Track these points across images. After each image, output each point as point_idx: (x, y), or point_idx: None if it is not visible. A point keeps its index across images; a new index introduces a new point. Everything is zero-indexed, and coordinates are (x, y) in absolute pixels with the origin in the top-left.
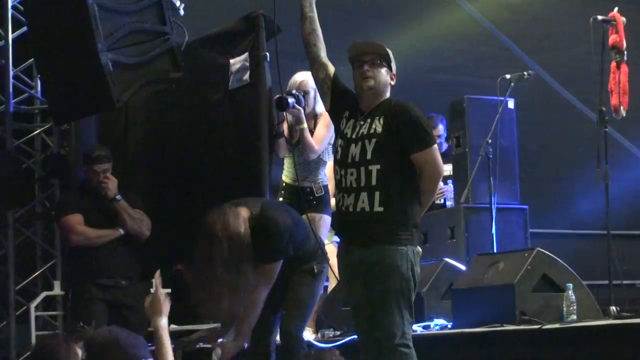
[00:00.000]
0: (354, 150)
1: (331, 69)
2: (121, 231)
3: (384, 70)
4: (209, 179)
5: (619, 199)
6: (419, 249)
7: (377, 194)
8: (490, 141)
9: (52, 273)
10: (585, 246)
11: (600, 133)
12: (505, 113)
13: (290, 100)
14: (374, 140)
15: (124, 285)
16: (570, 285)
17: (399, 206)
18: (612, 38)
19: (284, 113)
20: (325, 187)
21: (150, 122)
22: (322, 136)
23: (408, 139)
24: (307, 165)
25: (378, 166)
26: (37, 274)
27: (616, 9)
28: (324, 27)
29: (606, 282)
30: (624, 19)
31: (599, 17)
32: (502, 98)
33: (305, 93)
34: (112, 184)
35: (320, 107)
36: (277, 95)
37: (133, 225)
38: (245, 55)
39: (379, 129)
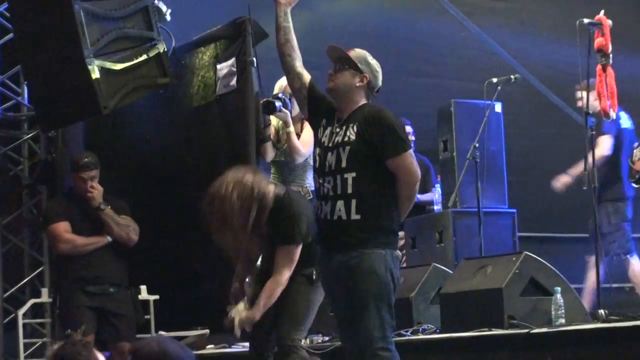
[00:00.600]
0: (330, 158)
1: (306, 77)
2: (109, 238)
3: (347, 73)
4: (197, 184)
5: None
6: (398, 253)
7: (353, 201)
8: (477, 145)
9: (40, 280)
10: (572, 249)
11: (587, 136)
12: (493, 117)
13: (277, 103)
14: (347, 148)
15: (112, 292)
16: (559, 289)
17: (376, 213)
18: (598, 41)
19: (270, 117)
20: (313, 191)
21: (137, 128)
22: (308, 140)
23: (382, 145)
24: (294, 169)
25: (353, 174)
26: (25, 281)
27: (602, 12)
28: (312, 32)
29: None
30: (609, 21)
31: (585, 20)
32: (489, 102)
33: (292, 96)
34: (97, 194)
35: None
36: (264, 99)
37: (120, 232)
38: (232, 60)
39: (353, 137)
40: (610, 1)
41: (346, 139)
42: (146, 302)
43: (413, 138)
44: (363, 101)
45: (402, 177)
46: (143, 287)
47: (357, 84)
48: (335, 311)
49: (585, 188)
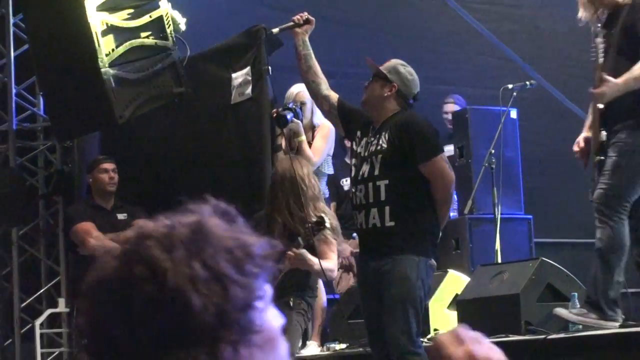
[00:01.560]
0: (365, 168)
1: (333, 98)
2: None
3: (377, 84)
4: (213, 193)
5: None
6: (433, 262)
7: (386, 208)
8: (493, 151)
9: (57, 290)
10: (590, 256)
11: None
12: (508, 123)
13: (289, 115)
14: (379, 156)
15: None
16: (575, 294)
17: (410, 219)
18: None
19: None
20: (327, 199)
21: (153, 138)
22: (320, 148)
23: (412, 151)
24: None
25: (386, 181)
26: (41, 291)
27: None
28: (326, 42)
29: None
30: None
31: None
32: (505, 108)
33: (302, 104)
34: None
35: (317, 119)
36: (274, 112)
37: None
38: (247, 69)
39: (385, 145)
40: None
41: (379, 147)
42: None
43: None
44: (396, 110)
45: (435, 182)
46: None
47: (386, 94)
48: (366, 317)
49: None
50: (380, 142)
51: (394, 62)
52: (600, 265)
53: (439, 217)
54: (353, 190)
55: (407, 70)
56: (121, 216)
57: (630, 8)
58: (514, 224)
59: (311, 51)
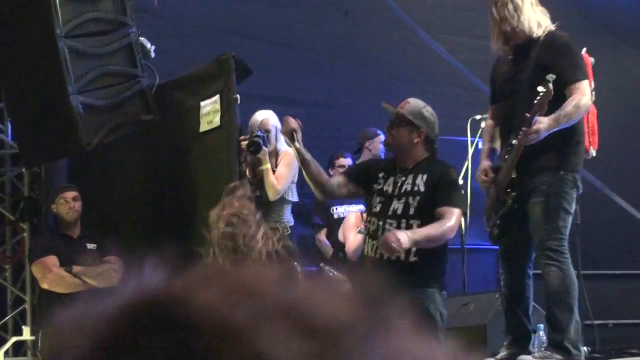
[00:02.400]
0: (397, 204)
1: (340, 178)
2: (94, 284)
3: (404, 130)
4: (180, 221)
5: (590, 238)
6: (444, 292)
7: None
8: (462, 182)
9: (22, 318)
10: None
11: None
12: (476, 154)
13: (261, 141)
14: (417, 197)
15: None
16: (541, 325)
17: (430, 256)
18: None
19: (244, 153)
20: (292, 227)
21: (121, 165)
22: (284, 175)
23: (440, 195)
24: (272, 205)
25: (419, 221)
26: (7, 319)
27: (584, 49)
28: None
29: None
30: (592, 59)
31: None
32: (473, 139)
33: (267, 132)
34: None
35: (281, 145)
36: (243, 138)
37: (101, 284)
38: (216, 97)
39: (422, 187)
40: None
41: (415, 188)
42: None
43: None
44: (424, 153)
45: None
46: None
47: (415, 140)
48: None
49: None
50: (417, 183)
51: (415, 104)
52: (558, 307)
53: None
54: (380, 223)
55: (430, 112)
56: (90, 246)
57: (543, 44)
58: (482, 255)
59: (309, 155)
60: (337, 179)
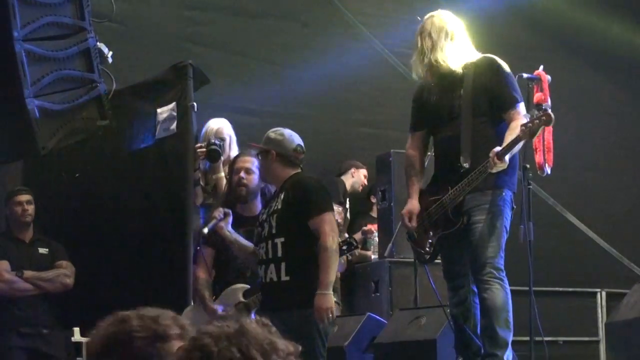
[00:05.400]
0: (266, 226)
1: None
2: (46, 288)
3: (261, 159)
4: (135, 226)
5: (542, 255)
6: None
7: (282, 264)
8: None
9: None
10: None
11: (524, 190)
12: (431, 168)
13: (219, 149)
14: (275, 215)
15: (45, 333)
16: None
17: (303, 273)
18: (537, 96)
19: (198, 161)
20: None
21: (75, 170)
22: None
23: (302, 208)
24: None
25: (282, 239)
26: None
27: (541, 67)
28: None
29: (527, 338)
30: (548, 77)
31: (524, 75)
32: (429, 153)
33: (222, 140)
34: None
35: (233, 154)
36: (200, 146)
37: (53, 287)
38: (173, 104)
39: (280, 205)
40: (548, 58)
41: (276, 207)
42: (79, 344)
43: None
44: (286, 170)
45: (322, 236)
46: (76, 329)
47: (270, 162)
48: None
49: (522, 241)
50: (277, 202)
51: (267, 133)
52: (500, 324)
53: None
54: (258, 248)
55: (277, 132)
56: (42, 250)
57: (479, 67)
58: (433, 269)
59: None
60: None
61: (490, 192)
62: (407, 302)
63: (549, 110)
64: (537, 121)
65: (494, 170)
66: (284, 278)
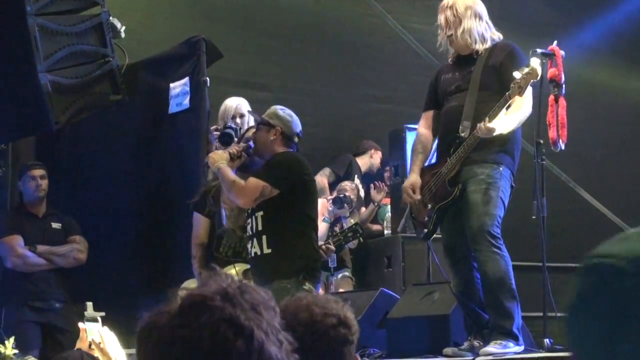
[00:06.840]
0: None
1: None
2: (60, 263)
3: (261, 132)
4: (149, 203)
5: (555, 231)
6: (309, 285)
7: (264, 237)
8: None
9: None
10: (520, 278)
11: (537, 165)
12: None
13: (233, 133)
14: None
15: (58, 307)
16: None
17: (284, 244)
18: (551, 71)
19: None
20: None
21: (88, 144)
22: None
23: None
24: None
25: (261, 212)
26: None
27: (555, 42)
28: (266, 56)
29: (541, 314)
30: (562, 52)
31: (538, 50)
32: None
33: (241, 116)
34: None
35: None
36: (215, 128)
37: (66, 262)
38: (186, 79)
39: None
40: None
41: None
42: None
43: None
44: (282, 149)
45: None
46: (89, 304)
47: (272, 137)
48: None
49: (534, 217)
50: None
51: (272, 108)
52: (504, 294)
53: None
54: (247, 224)
55: (286, 112)
56: (55, 225)
57: (494, 48)
58: (439, 248)
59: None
60: None
61: (488, 165)
62: (419, 277)
63: (537, 67)
64: (525, 77)
65: (482, 135)
66: (266, 251)
